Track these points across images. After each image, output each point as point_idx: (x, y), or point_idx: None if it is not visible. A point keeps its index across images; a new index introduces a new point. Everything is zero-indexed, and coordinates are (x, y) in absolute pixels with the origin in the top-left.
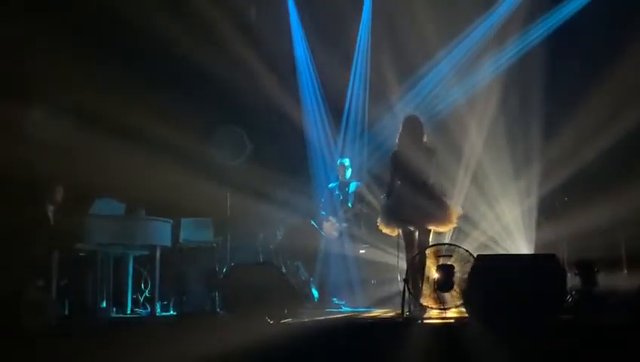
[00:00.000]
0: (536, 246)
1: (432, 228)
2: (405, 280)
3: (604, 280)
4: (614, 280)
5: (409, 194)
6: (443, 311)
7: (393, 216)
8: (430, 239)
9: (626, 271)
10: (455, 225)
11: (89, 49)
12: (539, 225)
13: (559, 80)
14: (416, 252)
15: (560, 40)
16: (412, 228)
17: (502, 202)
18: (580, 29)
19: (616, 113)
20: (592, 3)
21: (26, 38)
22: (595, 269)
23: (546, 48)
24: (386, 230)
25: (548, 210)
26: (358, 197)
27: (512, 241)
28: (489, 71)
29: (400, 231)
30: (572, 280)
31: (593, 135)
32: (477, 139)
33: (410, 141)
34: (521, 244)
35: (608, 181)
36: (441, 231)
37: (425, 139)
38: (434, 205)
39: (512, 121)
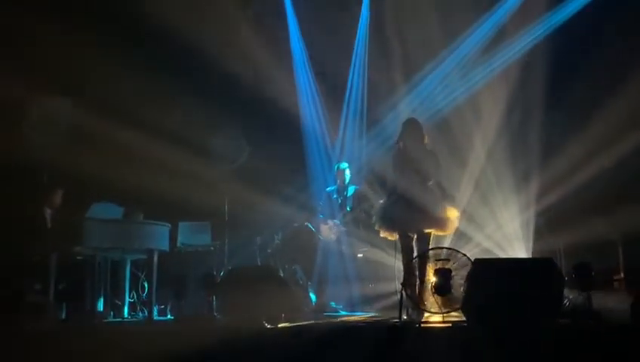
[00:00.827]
0: (534, 252)
1: (430, 231)
2: (403, 284)
3: (601, 285)
4: (611, 285)
5: (407, 197)
6: (440, 315)
7: (390, 218)
8: (430, 242)
9: (622, 276)
10: (454, 228)
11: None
12: (537, 231)
13: (560, 90)
14: (415, 256)
15: (561, 51)
16: (410, 233)
17: (501, 207)
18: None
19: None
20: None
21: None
22: (592, 273)
23: (548, 59)
24: (384, 233)
25: (546, 217)
26: (358, 200)
27: (509, 248)
28: (493, 67)
29: (397, 234)
30: (569, 284)
31: (596, 145)
32: (476, 139)
33: (409, 143)
34: (519, 250)
35: (607, 189)
36: (440, 234)
37: (425, 141)
38: (431, 208)
39: (515, 125)
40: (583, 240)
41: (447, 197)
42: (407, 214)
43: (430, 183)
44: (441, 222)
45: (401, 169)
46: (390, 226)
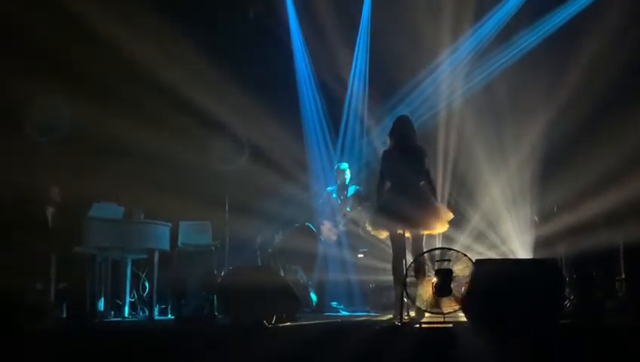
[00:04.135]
0: (535, 253)
1: (422, 232)
2: (403, 284)
3: (603, 284)
4: (612, 283)
5: (399, 196)
6: (441, 316)
7: (382, 218)
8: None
9: (623, 276)
10: (446, 229)
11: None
12: (537, 228)
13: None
14: (413, 259)
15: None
16: (401, 232)
17: (498, 204)
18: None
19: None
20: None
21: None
22: (593, 274)
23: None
24: (374, 232)
25: (546, 214)
26: (359, 200)
27: (509, 244)
28: (489, 72)
29: (388, 234)
30: (570, 285)
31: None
32: (473, 138)
33: (401, 141)
34: (519, 247)
35: (606, 181)
36: (432, 233)
37: (416, 139)
38: (423, 207)
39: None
40: (585, 241)
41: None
42: (399, 213)
43: (422, 183)
44: (432, 222)
45: (393, 167)
46: (381, 225)
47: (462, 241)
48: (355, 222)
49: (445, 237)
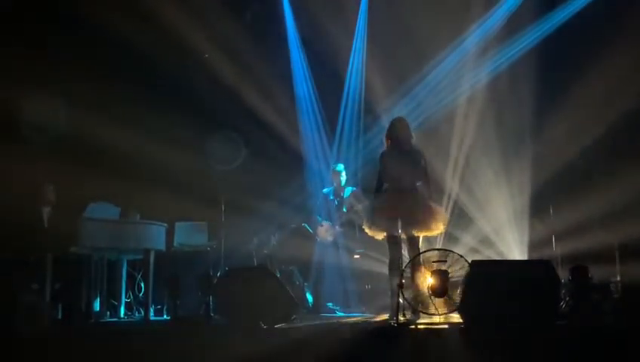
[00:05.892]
0: (530, 250)
1: (419, 233)
2: (399, 285)
3: (598, 284)
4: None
5: (396, 197)
6: (437, 317)
7: (379, 219)
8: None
9: (619, 278)
10: (442, 230)
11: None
12: (532, 227)
13: (549, 81)
14: (409, 260)
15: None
16: (396, 234)
17: (493, 204)
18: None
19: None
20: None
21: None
22: (589, 276)
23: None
24: (371, 233)
25: (541, 212)
26: (354, 202)
27: (505, 245)
28: (484, 73)
29: (384, 235)
30: (566, 286)
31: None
32: (469, 138)
33: (398, 142)
34: (514, 247)
35: (600, 180)
36: (428, 235)
37: (413, 141)
38: (420, 209)
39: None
40: (580, 243)
41: (434, 199)
42: (395, 215)
43: (418, 184)
44: (429, 224)
45: (390, 168)
46: (378, 226)
47: (465, 242)
48: (351, 223)
49: (447, 238)
